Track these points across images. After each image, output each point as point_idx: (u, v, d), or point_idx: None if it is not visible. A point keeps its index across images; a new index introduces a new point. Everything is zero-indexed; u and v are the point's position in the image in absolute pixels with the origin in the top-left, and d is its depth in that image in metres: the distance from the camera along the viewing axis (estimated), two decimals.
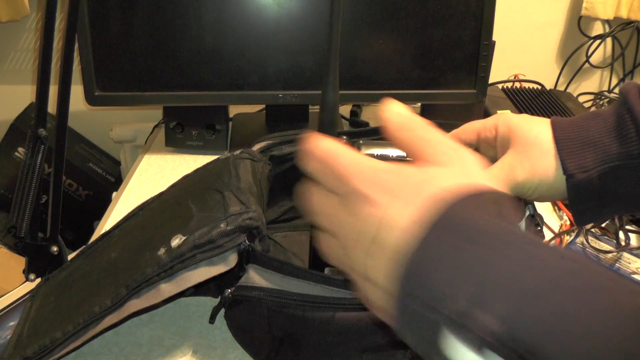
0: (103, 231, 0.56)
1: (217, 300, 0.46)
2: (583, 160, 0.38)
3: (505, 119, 0.43)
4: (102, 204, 0.84)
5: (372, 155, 0.44)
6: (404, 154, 0.44)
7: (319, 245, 0.31)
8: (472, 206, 0.24)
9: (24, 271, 0.53)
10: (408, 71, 0.83)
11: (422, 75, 0.83)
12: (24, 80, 1.18)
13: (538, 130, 0.41)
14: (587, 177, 0.38)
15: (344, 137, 0.44)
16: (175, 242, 0.44)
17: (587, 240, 0.63)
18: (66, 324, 0.44)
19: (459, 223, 0.24)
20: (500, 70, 1.09)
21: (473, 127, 0.46)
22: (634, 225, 0.67)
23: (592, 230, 0.65)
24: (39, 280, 0.54)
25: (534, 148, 0.40)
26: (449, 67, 0.83)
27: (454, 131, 0.47)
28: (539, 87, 1.04)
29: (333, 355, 0.45)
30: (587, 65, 1.17)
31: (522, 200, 0.47)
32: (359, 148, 0.44)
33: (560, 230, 0.67)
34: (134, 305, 0.43)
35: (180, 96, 0.81)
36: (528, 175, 0.40)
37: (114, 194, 0.80)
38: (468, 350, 0.21)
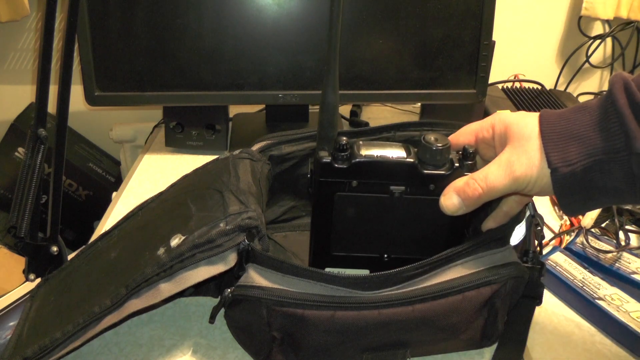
0: (103, 231, 0.56)
1: (217, 300, 0.46)
2: (567, 154, 0.38)
3: (502, 118, 0.43)
4: (102, 204, 0.84)
5: (372, 155, 0.44)
6: (404, 155, 0.44)
7: None
8: None
9: (24, 271, 0.53)
10: (408, 71, 0.83)
11: (422, 75, 0.83)
12: (24, 80, 1.18)
13: (533, 124, 0.41)
14: (571, 170, 0.38)
15: (344, 137, 0.43)
16: (175, 241, 0.44)
17: (587, 240, 0.63)
18: (66, 323, 0.44)
19: None
20: (500, 70, 1.09)
21: (471, 129, 0.46)
22: (634, 225, 0.67)
23: (592, 230, 0.65)
24: (39, 280, 0.54)
25: (529, 142, 0.40)
26: (449, 67, 0.83)
27: (453, 135, 0.47)
28: (539, 87, 1.04)
29: (333, 355, 0.45)
30: (587, 65, 1.17)
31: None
32: (358, 148, 0.44)
33: (560, 230, 0.67)
34: (134, 305, 0.43)
35: (180, 96, 0.81)
36: (526, 169, 0.39)
37: (114, 194, 0.80)
38: None
